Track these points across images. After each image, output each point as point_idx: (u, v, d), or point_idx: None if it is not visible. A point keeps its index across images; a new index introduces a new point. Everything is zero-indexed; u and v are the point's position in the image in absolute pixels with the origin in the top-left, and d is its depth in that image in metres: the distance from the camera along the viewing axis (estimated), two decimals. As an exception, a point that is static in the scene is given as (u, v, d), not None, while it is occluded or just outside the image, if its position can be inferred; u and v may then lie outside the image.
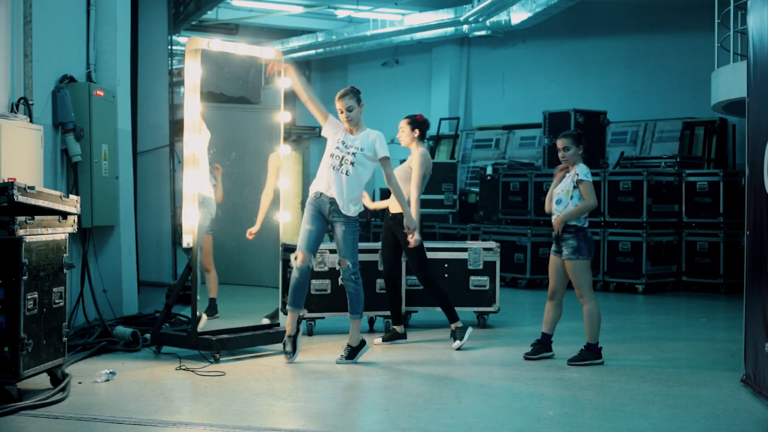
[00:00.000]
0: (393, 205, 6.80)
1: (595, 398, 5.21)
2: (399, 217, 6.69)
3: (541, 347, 6.36)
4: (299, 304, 6.14)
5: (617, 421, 4.65)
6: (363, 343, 6.20)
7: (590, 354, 6.16)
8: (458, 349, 6.66)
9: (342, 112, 6.10)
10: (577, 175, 6.12)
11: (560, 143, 6.30)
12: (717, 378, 5.77)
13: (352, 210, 6.06)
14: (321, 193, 6.09)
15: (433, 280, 6.95)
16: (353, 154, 6.04)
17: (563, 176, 6.27)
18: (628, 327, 8.04)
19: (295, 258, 6.09)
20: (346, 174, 6.02)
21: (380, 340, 6.94)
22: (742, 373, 5.55)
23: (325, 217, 6.10)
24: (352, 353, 6.11)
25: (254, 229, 6.62)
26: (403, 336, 7.04)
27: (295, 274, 6.07)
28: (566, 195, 6.15)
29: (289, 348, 6.11)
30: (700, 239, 11.14)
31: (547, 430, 4.49)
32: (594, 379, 5.71)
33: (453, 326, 6.80)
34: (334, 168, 6.05)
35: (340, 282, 6.14)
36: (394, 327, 7.07)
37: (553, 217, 6.20)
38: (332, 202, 6.05)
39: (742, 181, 10.74)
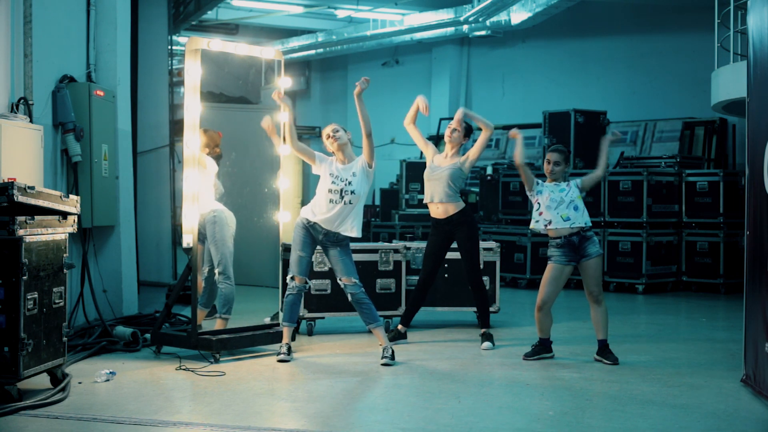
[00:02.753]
0: (444, 210, 6.85)
1: (595, 398, 5.21)
2: (454, 218, 6.83)
3: (541, 349, 6.36)
4: (294, 319, 6.34)
5: (617, 421, 4.65)
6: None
7: (609, 350, 6.24)
8: (485, 349, 6.76)
9: (329, 137, 6.23)
10: (578, 185, 6.26)
11: (553, 156, 6.32)
12: (717, 378, 5.77)
13: (356, 231, 6.20)
14: (314, 222, 6.21)
15: (483, 282, 7.04)
16: (349, 182, 6.16)
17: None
18: (628, 327, 8.03)
19: (292, 278, 6.26)
20: (350, 203, 6.16)
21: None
22: (742, 373, 5.55)
23: (316, 241, 6.28)
24: (394, 353, 6.18)
25: None
26: (404, 336, 7.06)
27: (291, 292, 6.25)
28: (579, 200, 6.22)
29: (284, 350, 6.22)
30: (700, 239, 11.14)
31: (547, 430, 4.49)
32: (594, 379, 5.71)
33: (484, 330, 6.93)
34: (334, 202, 6.15)
35: (350, 299, 6.26)
36: (399, 327, 7.08)
37: (569, 224, 6.15)
38: (326, 234, 6.20)
39: (742, 181, 10.74)
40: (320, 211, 6.19)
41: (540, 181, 6.37)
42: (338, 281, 6.29)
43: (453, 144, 6.90)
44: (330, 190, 6.18)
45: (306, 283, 6.30)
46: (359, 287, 6.22)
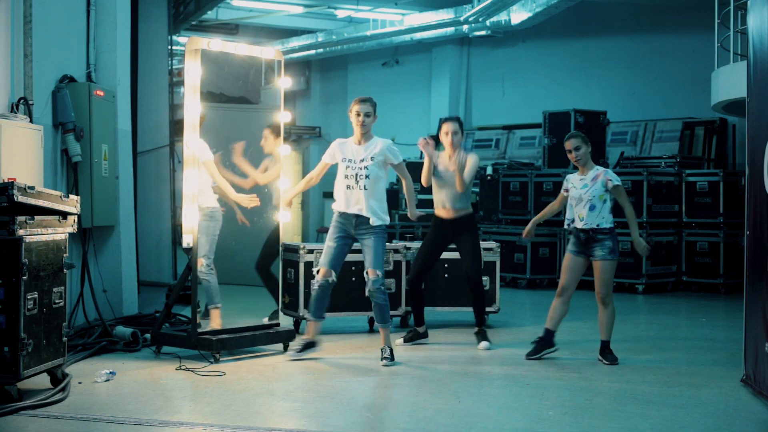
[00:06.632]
0: (454, 211, 6.82)
1: (595, 398, 5.21)
2: (462, 219, 6.80)
3: (544, 344, 6.34)
4: (319, 315, 6.23)
5: (617, 421, 4.65)
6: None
7: (609, 350, 6.23)
8: (485, 349, 6.71)
9: (359, 115, 6.10)
10: (611, 181, 6.14)
11: (571, 143, 6.23)
12: (717, 378, 5.77)
13: (380, 220, 6.10)
14: (343, 212, 6.13)
15: (482, 282, 7.02)
16: (366, 167, 6.08)
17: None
18: (628, 327, 8.03)
19: (317, 272, 6.16)
20: (365, 189, 6.07)
21: (401, 340, 6.90)
22: (742, 373, 5.55)
23: (350, 235, 6.15)
24: (393, 353, 6.14)
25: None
26: (425, 335, 7.00)
27: (315, 287, 6.15)
28: (599, 200, 6.12)
29: (297, 347, 6.17)
30: (700, 239, 11.14)
31: (547, 430, 4.49)
32: (594, 379, 5.71)
33: (478, 328, 6.88)
34: (350, 188, 6.09)
35: (366, 293, 6.16)
36: (416, 328, 7.00)
37: (582, 224, 6.12)
38: (356, 216, 6.09)
39: (742, 181, 10.74)
40: (339, 196, 6.12)
41: (569, 177, 6.33)
42: (366, 276, 6.15)
43: (455, 148, 6.85)
44: (346, 176, 6.11)
45: (332, 276, 6.11)
46: (380, 283, 6.06)
